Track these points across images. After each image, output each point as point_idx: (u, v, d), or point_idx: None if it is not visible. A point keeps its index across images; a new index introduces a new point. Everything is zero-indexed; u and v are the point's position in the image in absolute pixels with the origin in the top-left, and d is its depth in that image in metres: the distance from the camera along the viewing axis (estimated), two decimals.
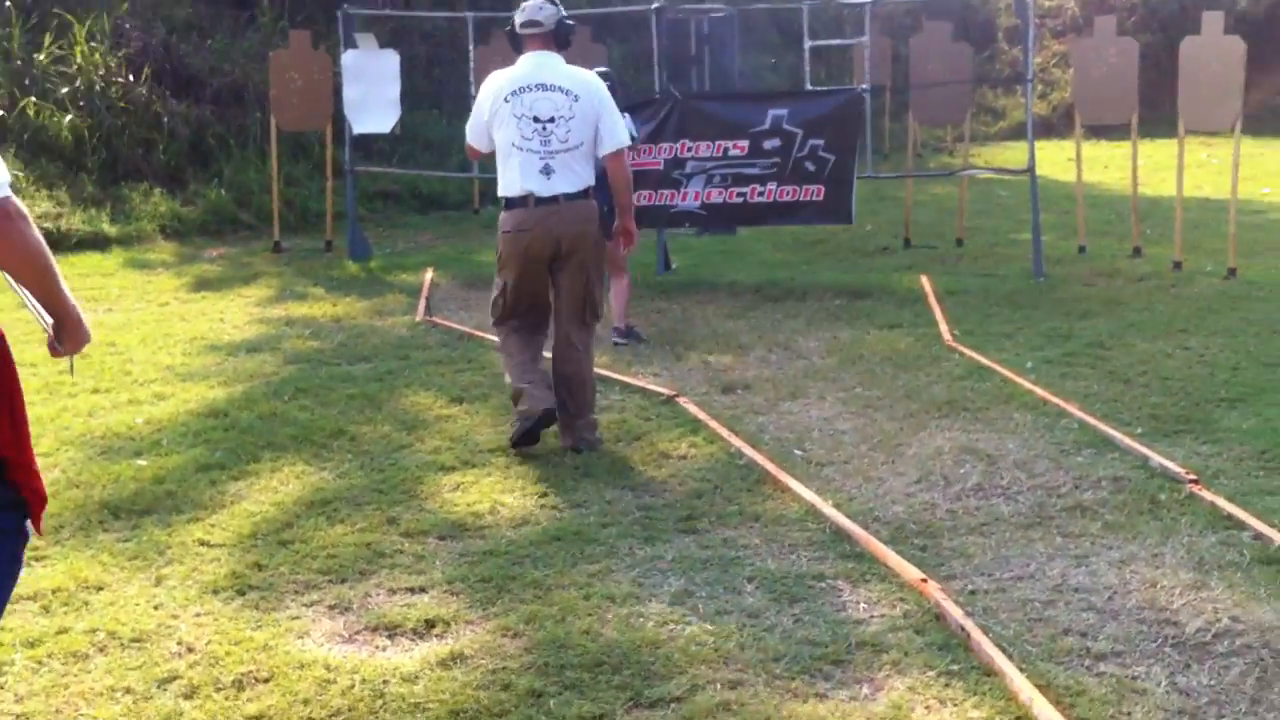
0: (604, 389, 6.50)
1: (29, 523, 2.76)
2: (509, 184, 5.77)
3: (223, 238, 12.18)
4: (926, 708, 3.48)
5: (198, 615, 4.13)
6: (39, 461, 2.82)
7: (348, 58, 10.96)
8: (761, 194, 9.28)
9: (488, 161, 6.15)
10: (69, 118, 12.54)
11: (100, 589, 4.32)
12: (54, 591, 4.27)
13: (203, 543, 4.73)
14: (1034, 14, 11.22)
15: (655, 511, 4.99)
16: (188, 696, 3.60)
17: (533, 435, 5.70)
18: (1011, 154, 16.85)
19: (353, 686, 3.64)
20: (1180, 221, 9.97)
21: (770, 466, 5.39)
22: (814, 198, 9.23)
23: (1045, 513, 4.90)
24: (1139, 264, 10.16)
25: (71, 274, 9.63)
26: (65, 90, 12.77)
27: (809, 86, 10.51)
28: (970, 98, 12.02)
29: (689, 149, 9.31)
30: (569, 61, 5.89)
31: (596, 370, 6.14)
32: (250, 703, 3.56)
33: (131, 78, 13.20)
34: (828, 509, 4.89)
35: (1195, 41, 9.72)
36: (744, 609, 4.10)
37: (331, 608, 4.18)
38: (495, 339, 6.23)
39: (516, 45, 5.88)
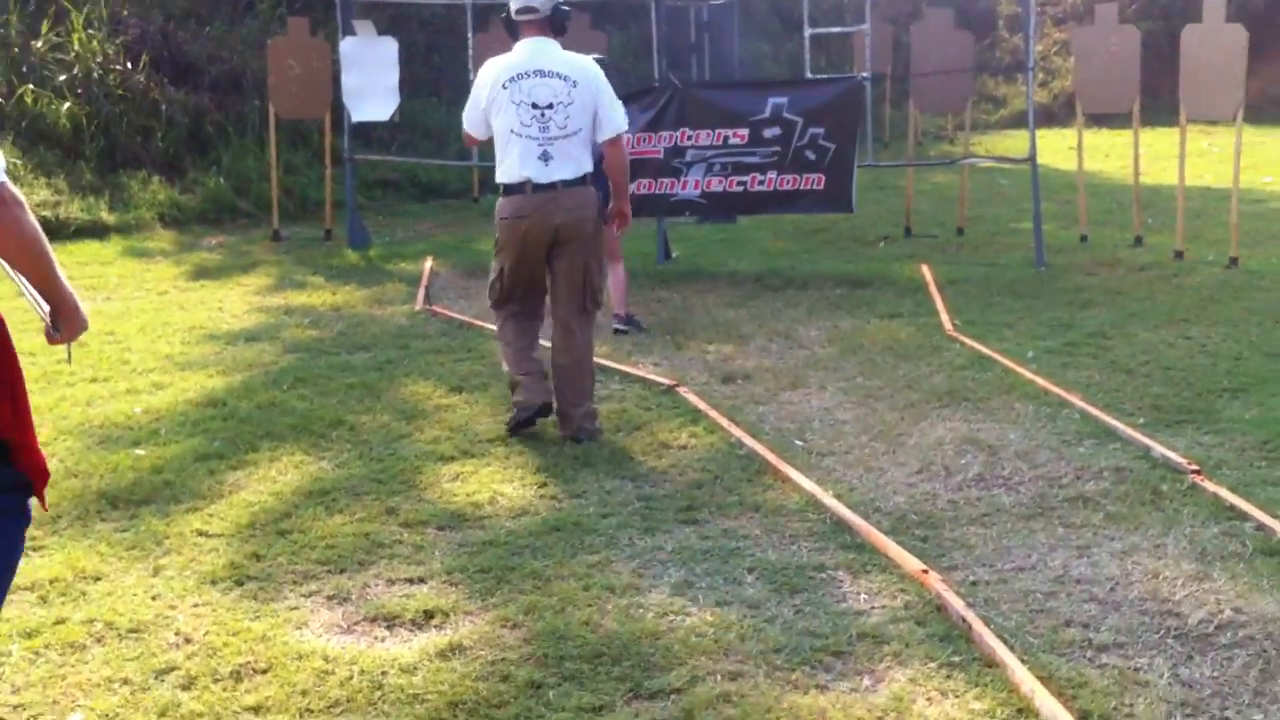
0: (604, 378, 6.48)
1: (30, 503, 2.80)
2: (507, 171, 5.76)
3: (221, 226, 12.14)
4: (928, 699, 3.46)
5: (196, 606, 4.11)
6: None
7: (346, 45, 10.92)
8: (762, 183, 9.25)
9: (487, 149, 6.14)
10: (67, 105, 12.49)
11: (98, 579, 4.30)
12: (51, 582, 4.25)
13: (201, 533, 4.71)
14: (1035, 2, 11.17)
15: (655, 502, 4.97)
16: (185, 687, 3.59)
17: (529, 424, 5.76)
18: (1012, 142, 16.81)
19: (351, 677, 3.62)
20: (1182, 211, 9.94)
21: (771, 457, 5.38)
22: (814, 186, 9.21)
23: (1047, 503, 4.89)
24: (1140, 253, 10.14)
25: (70, 262, 9.62)
26: (63, 78, 12.73)
27: (809, 74, 10.43)
28: (971, 86, 11.97)
29: (689, 137, 9.28)
30: (566, 48, 5.88)
31: (596, 360, 6.12)
32: (248, 694, 3.54)
33: (129, 65, 13.15)
34: (828, 499, 4.87)
35: (1197, 29, 9.67)
36: (744, 600, 4.08)
37: (330, 598, 4.17)
38: (494, 328, 6.21)
39: (513, 32, 5.86)
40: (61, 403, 6.28)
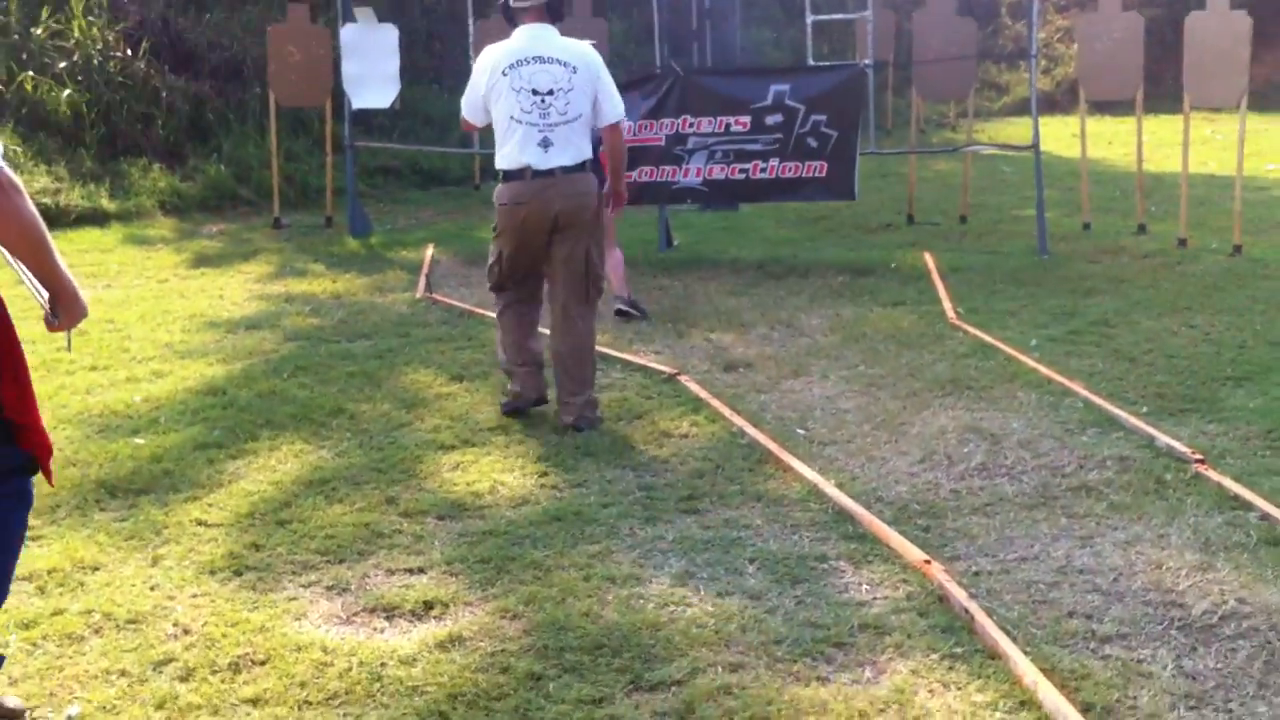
0: (605, 367, 6.46)
1: (32, 489, 2.86)
2: (507, 157, 5.75)
3: (222, 214, 12.11)
4: (930, 691, 3.44)
5: (194, 596, 4.09)
6: None
7: (346, 32, 10.88)
8: (764, 170, 9.22)
9: (488, 136, 6.13)
10: (67, 92, 12.45)
11: (96, 569, 4.29)
12: (49, 572, 4.24)
13: (200, 522, 4.69)
14: None
15: (656, 491, 4.95)
16: (184, 679, 3.57)
17: (521, 413, 5.89)
18: (1015, 130, 16.75)
19: (350, 669, 3.60)
20: (1185, 198, 9.90)
21: (772, 446, 5.35)
22: (816, 174, 9.17)
23: (1050, 493, 4.86)
24: (1144, 241, 10.10)
25: (70, 250, 9.60)
26: (63, 64, 12.69)
27: (811, 61, 10.38)
28: (974, 73, 11.92)
29: (690, 125, 9.24)
30: (565, 34, 5.86)
31: (597, 348, 6.10)
32: (246, 685, 3.52)
33: (129, 52, 13.11)
34: (830, 489, 4.85)
35: (1200, 17, 9.63)
36: (745, 590, 4.06)
37: (329, 589, 4.15)
38: (494, 314, 6.20)
39: (511, 18, 5.85)
40: (61, 391, 6.26)
